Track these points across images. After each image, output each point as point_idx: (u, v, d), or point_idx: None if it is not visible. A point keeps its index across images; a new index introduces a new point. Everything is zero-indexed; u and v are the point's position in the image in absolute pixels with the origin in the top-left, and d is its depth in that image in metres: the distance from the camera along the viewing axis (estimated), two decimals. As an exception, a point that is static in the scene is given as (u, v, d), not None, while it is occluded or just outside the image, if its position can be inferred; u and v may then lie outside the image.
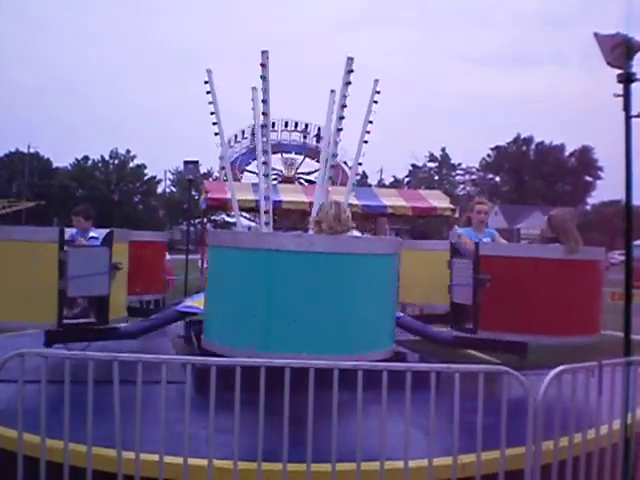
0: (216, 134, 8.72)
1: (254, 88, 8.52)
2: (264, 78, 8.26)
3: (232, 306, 5.91)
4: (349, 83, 8.51)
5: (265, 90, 8.35)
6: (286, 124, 36.56)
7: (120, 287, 7.33)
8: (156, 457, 3.94)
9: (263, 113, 8.52)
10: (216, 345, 6.04)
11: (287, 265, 5.59)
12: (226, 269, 6.10)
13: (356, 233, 7.54)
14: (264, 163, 8.97)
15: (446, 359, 5.16)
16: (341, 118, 8.60)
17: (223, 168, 8.95)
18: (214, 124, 8.67)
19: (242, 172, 36.57)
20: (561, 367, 4.10)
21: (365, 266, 5.68)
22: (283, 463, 3.89)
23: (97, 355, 4.12)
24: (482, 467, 4.00)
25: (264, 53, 8.24)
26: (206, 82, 8.49)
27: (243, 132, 39.40)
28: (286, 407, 3.89)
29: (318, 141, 38.92)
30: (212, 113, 8.61)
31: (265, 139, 8.87)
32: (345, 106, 8.55)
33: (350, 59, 8.46)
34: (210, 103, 8.54)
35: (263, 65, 8.26)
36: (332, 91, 8.83)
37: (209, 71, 8.47)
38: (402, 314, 7.66)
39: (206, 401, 3.92)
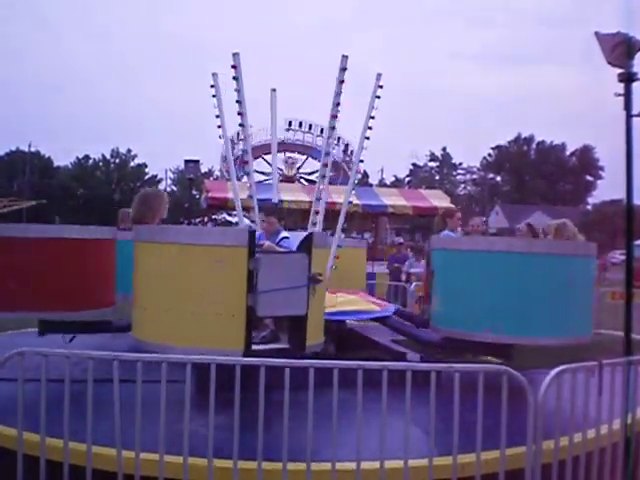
0: (241, 125, 8.61)
1: (214, 74, 8.40)
2: (342, 82, 8.25)
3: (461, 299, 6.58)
4: (378, 97, 8.49)
5: (338, 94, 8.32)
6: (290, 123, 36.48)
7: (319, 305, 6.08)
8: (156, 456, 3.94)
9: (333, 116, 8.48)
10: (446, 329, 6.76)
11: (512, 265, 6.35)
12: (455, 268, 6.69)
13: None
14: (324, 165, 8.97)
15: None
16: (369, 128, 8.59)
17: (247, 162, 8.77)
18: (239, 114, 8.50)
19: (255, 159, 36.49)
20: (561, 367, 4.10)
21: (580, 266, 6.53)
22: (283, 462, 3.89)
23: (97, 354, 4.12)
24: (482, 467, 4.00)
25: (345, 58, 8.23)
26: (212, 86, 8.37)
27: (247, 128, 39.37)
28: (286, 406, 3.89)
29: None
30: (217, 116, 8.47)
31: (331, 141, 8.88)
32: (373, 117, 8.54)
33: (379, 74, 8.49)
34: (237, 91, 8.40)
35: (344, 69, 8.25)
36: (273, 90, 9.07)
37: (215, 75, 8.34)
38: (391, 314, 7.64)
39: (206, 400, 3.92)
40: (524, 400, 3.94)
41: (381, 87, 8.52)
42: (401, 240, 26.77)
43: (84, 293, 6.58)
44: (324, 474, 3.93)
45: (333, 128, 8.72)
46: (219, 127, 8.53)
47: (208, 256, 5.45)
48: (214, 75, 8.36)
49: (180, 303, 5.48)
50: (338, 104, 8.38)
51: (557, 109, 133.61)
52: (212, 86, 8.39)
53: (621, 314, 4.92)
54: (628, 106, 4.67)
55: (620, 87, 4.73)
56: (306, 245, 5.77)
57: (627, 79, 4.67)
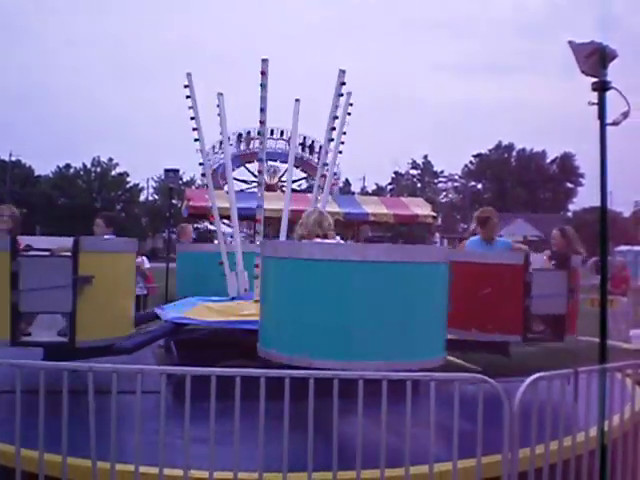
0: (196, 140, 8.52)
1: (220, 94, 8.46)
2: (263, 86, 8.25)
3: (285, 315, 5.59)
4: (341, 95, 8.51)
5: (263, 98, 8.32)
6: (272, 132, 36.63)
7: (95, 304, 6.25)
8: (132, 467, 3.92)
9: (260, 121, 8.48)
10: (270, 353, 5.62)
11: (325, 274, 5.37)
12: (279, 279, 5.73)
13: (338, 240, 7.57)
14: (259, 172, 8.97)
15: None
16: (332, 129, 8.60)
17: (204, 175, 8.87)
18: (194, 129, 8.46)
19: (237, 167, 36.56)
20: (537, 374, 4.11)
21: (411, 275, 5.43)
22: (259, 472, 3.89)
23: (72, 365, 4.10)
24: (459, 475, 4.01)
25: (264, 61, 8.21)
26: (186, 86, 8.33)
27: (229, 138, 39.51)
28: (261, 418, 3.88)
29: (304, 150, 39.29)
30: (192, 118, 8.40)
31: (262, 147, 8.85)
32: (336, 117, 8.55)
33: (342, 71, 8.47)
34: (190, 108, 8.39)
35: (263, 73, 8.23)
36: (297, 100, 9.00)
37: (189, 74, 8.30)
38: None
39: (182, 411, 3.91)
40: (500, 408, 3.95)
41: (344, 84, 8.49)
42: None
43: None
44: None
45: (260, 133, 8.80)
46: (194, 129, 8.47)
47: None
48: (188, 75, 8.31)
49: None
50: (262, 109, 8.36)
51: (537, 117, 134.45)
52: (186, 86, 8.35)
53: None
54: (602, 115, 4.70)
55: (594, 96, 4.76)
56: (73, 250, 6.09)
57: (601, 88, 4.70)
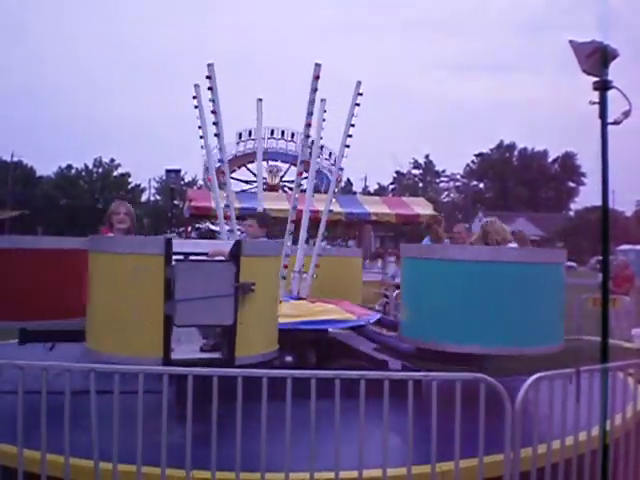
0: (216, 135, 8.36)
1: (196, 85, 8.35)
2: (314, 90, 8.28)
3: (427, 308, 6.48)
4: (358, 104, 8.55)
5: (312, 101, 8.34)
6: (272, 132, 36.47)
7: (259, 315, 5.90)
8: (133, 468, 3.92)
9: (307, 124, 8.49)
10: (414, 339, 6.67)
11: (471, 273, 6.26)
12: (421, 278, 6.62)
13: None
14: (299, 174, 8.99)
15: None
16: (349, 136, 8.65)
17: (223, 172, 8.64)
18: (214, 124, 8.28)
19: (238, 168, 36.36)
20: (538, 374, 4.11)
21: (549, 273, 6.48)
22: (261, 472, 3.88)
23: (74, 366, 4.10)
24: (461, 475, 4.00)
25: (317, 66, 8.24)
26: (208, 77, 8.11)
27: (240, 135, 39.37)
28: (263, 416, 3.88)
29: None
30: (213, 112, 8.25)
31: (305, 149, 8.87)
32: (353, 125, 8.60)
33: (359, 82, 8.55)
34: (211, 101, 8.20)
35: (317, 77, 8.27)
36: (259, 99, 9.17)
37: (210, 65, 8.12)
38: (365, 323, 7.54)
39: (184, 411, 3.91)
40: (502, 407, 3.94)
41: (361, 94, 8.55)
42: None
43: (64, 302, 6.57)
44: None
45: (307, 136, 8.74)
46: (201, 137, 8.39)
47: (127, 264, 5.50)
48: (196, 86, 8.21)
49: (107, 311, 5.62)
50: (311, 113, 8.38)
51: (538, 116, 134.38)
52: (194, 97, 8.25)
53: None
54: (603, 114, 4.69)
55: (595, 95, 4.75)
56: (234, 253, 5.57)
57: (602, 87, 4.69)
